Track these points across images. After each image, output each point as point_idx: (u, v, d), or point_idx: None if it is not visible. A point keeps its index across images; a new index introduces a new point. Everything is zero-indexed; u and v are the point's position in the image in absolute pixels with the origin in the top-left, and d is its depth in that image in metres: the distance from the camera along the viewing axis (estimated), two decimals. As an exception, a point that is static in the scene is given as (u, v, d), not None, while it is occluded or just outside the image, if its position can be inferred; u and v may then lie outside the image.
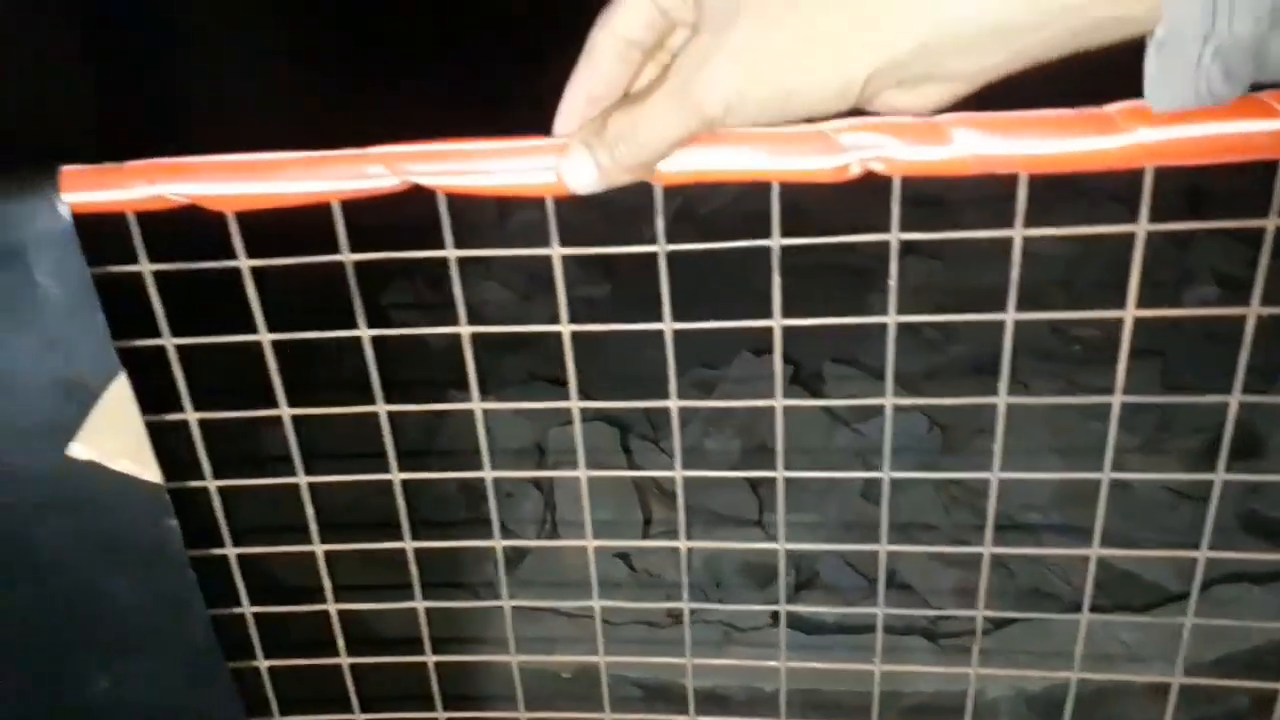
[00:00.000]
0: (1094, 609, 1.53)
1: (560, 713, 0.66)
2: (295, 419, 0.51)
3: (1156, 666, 1.36)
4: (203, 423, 0.52)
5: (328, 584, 0.55)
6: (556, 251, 0.47)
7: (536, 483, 1.82)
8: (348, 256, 0.47)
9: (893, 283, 0.44)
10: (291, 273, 0.50)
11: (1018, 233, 0.43)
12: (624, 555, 1.73)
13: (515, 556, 1.72)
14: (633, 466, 1.84)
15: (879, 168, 0.40)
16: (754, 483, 1.80)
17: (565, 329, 0.50)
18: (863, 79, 0.37)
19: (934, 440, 1.81)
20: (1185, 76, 0.34)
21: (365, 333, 0.49)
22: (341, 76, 2.45)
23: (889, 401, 0.52)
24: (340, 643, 0.56)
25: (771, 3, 0.36)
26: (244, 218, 0.47)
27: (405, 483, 0.56)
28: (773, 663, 0.63)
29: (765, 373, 1.98)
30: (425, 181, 0.43)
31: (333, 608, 0.55)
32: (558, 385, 2.05)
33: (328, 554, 0.55)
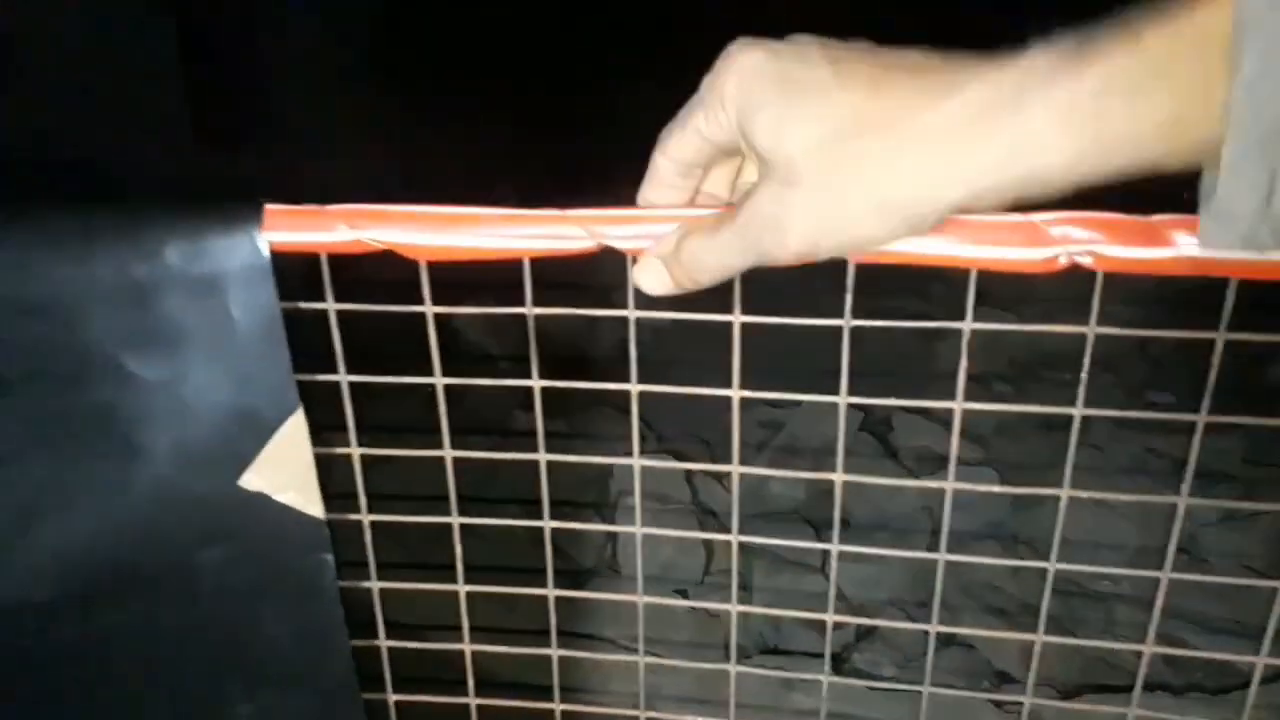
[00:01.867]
0: (1164, 689, 1.49)
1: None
2: (454, 461, 0.52)
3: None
4: (362, 457, 0.52)
5: (466, 623, 0.55)
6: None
7: (598, 511, 1.82)
8: (530, 310, 0.47)
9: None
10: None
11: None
12: (683, 590, 1.72)
13: (581, 582, 1.72)
14: (695, 501, 1.83)
15: (1087, 261, 0.40)
16: (817, 527, 1.78)
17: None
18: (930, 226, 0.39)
19: (1003, 502, 1.79)
20: (1237, 237, 0.35)
21: (537, 384, 0.49)
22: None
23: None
24: (470, 684, 0.56)
25: (833, 177, 0.38)
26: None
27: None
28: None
29: (832, 413, 1.96)
30: (617, 245, 0.44)
31: (468, 648, 0.56)
32: (621, 411, 2.05)
33: (464, 595, 0.56)
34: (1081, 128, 0.34)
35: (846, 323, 0.48)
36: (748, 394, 0.51)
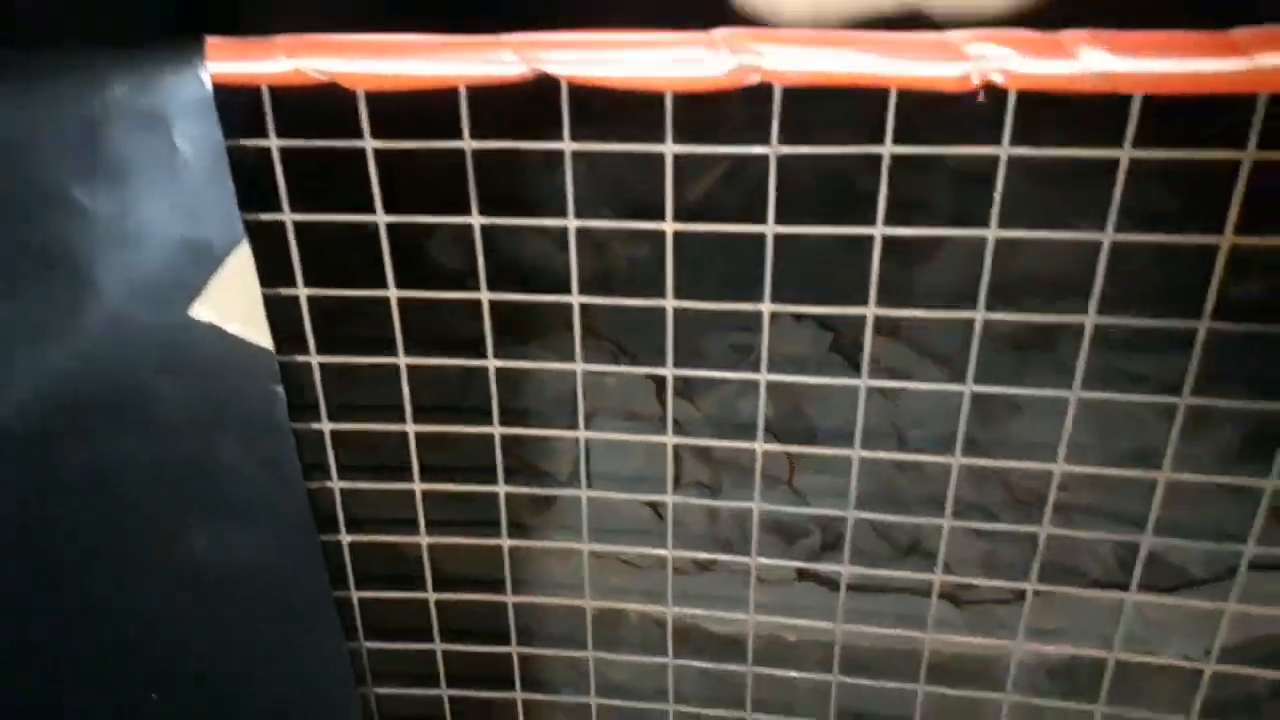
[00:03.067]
0: (1121, 588, 1.54)
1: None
2: (400, 302, 0.53)
3: (1175, 646, 1.37)
4: (310, 299, 0.54)
5: (416, 464, 0.57)
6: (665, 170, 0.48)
7: (571, 425, 1.84)
8: (469, 143, 0.49)
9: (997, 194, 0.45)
10: (397, 164, 0.51)
11: (1126, 152, 0.45)
12: (653, 503, 1.76)
13: (545, 502, 1.75)
14: (662, 419, 1.86)
15: (999, 79, 0.42)
16: (785, 441, 1.82)
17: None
18: None
19: (973, 416, 1.82)
20: None
21: (476, 220, 0.51)
22: None
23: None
24: (421, 524, 0.59)
25: None
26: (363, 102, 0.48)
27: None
28: (828, 623, 0.65)
29: (803, 336, 1.99)
30: (554, 70, 0.45)
31: (418, 487, 0.58)
32: (592, 335, 2.07)
33: (417, 436, 0.58)
34: None
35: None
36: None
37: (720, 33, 0.43)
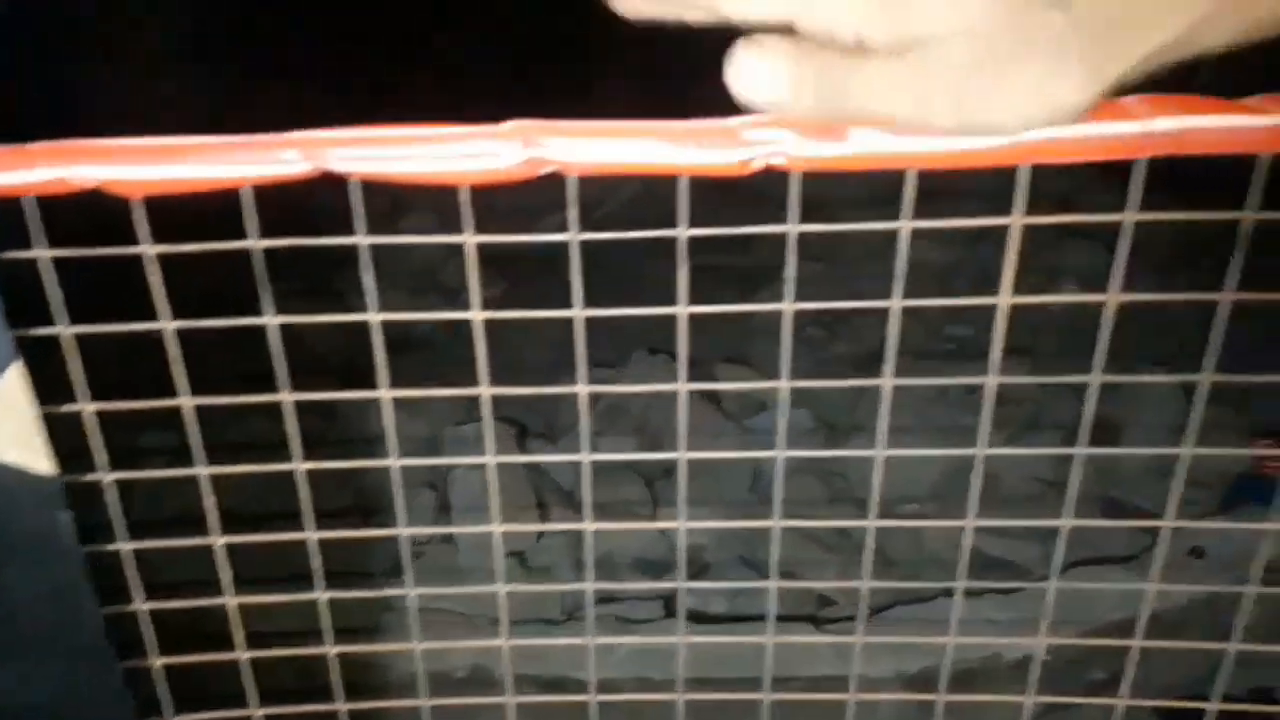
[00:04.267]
0: (966, 592, 1.61)
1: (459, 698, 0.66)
2: (201, 410, 0.50)
3: (1023, 645, 1.45)
4: (100, 414, 0.50)
5: (226, 578, 0.54)
6: (470, 239, 0.48)
7: (430, 483, 1.80)
8: (256, 243, 0.47)
9: (790, 273, 0.47)
10: (187, 264, 0.49)
11: (905, 223, 0.47)
12: (519, 553, 1.74)
13: (412, 556, 1.71)
14: (530, 465, 1.84)
15: (780, 162, 0.43)
16: (647, 479, 1.83)
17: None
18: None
19: (818, 437, 1.88)
20: None
21: (272, 320, 0.49)
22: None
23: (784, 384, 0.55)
24: (239, 637, 0.56)
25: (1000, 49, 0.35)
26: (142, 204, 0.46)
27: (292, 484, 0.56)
28: (671, 638, 0.65)
29: (660, 371, 2.01)
30: (341, 168, 0.44)
31: (231, 601, 0.55)
32: (448, 384, 2.03)
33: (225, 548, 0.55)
34: None
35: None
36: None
37: (509, 126, 0.43)
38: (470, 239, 0.47)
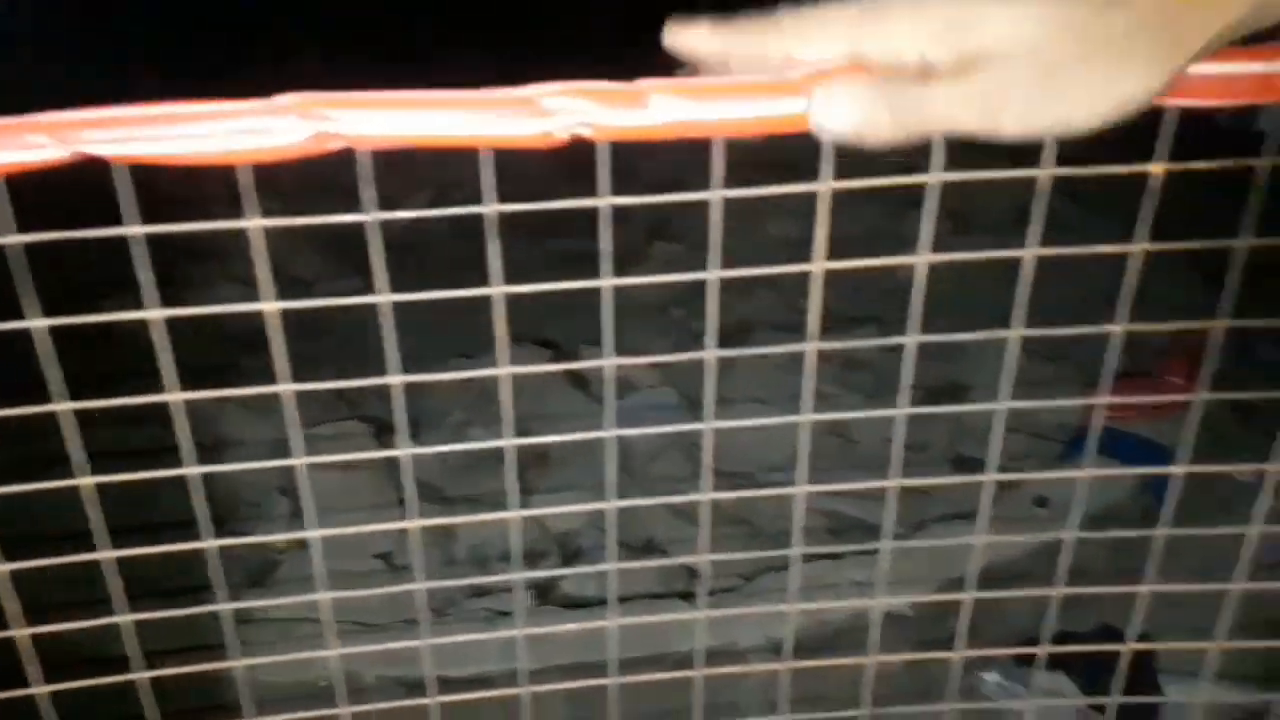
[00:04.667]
0: (827, 556, 1.65)
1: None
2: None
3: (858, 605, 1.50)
4: None
5: (15, 608, 0.49)
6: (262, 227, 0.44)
7: (282, 489, 1.73)
8: (16, 239, 0.42)
9: (605, 247, 0.45)
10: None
11: (712, 193, 0.46)
12: (384, 554, 1.68)
13: (269, 566, 1.63)
14: (387, 461, 1.78)
15: (586, 132, 0.41)
16: (519, 467, 1.80)
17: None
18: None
19: (684, 415, 1.90)
20: None
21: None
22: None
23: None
24: (36, 670, 0.51)
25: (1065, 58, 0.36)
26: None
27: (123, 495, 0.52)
28: (529, 629, 0.64)
29: (523, 358, 1.98)
30: (96, 150, 0.39)
31: (21, 633, 0.50)
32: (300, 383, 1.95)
33: (18, 573, 0.49)
34: None
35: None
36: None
37: (287, 99, 0.40)
38: (256, 223, 0.43)
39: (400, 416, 0.53)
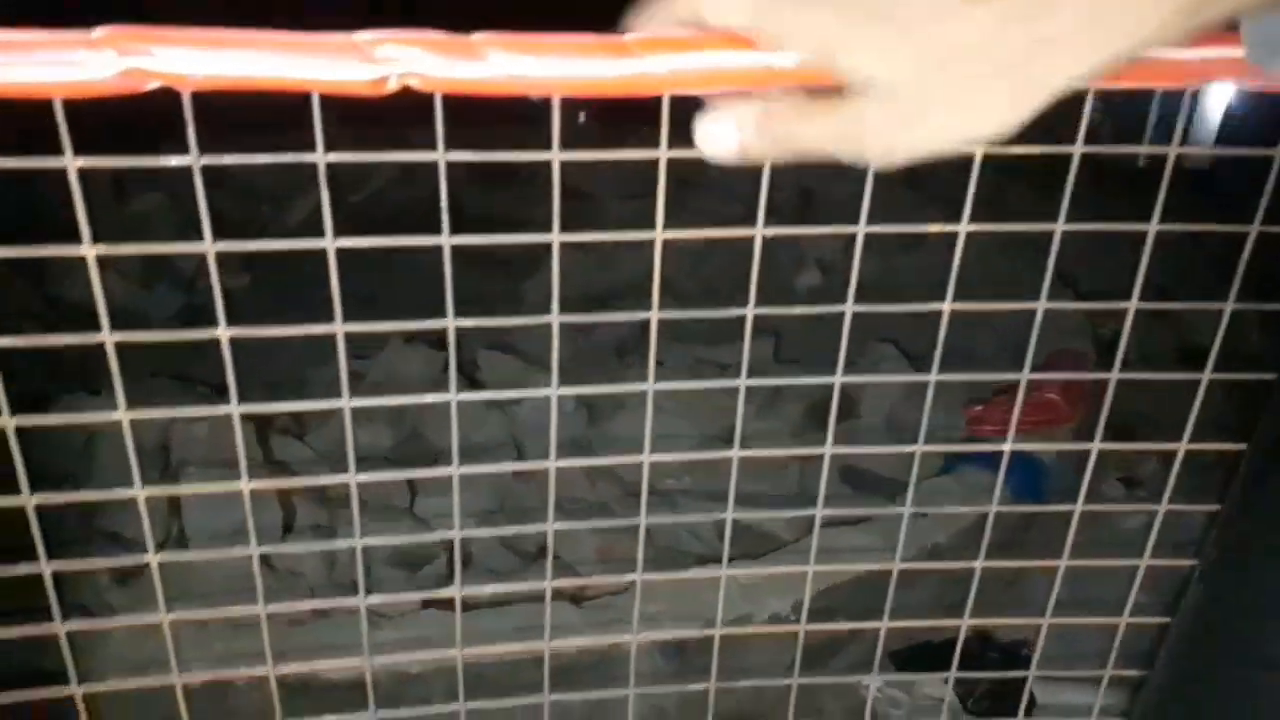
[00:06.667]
0: (718, 561, 1.65)
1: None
2: None
3: (772, 605, 1.51)
4: None
5: None
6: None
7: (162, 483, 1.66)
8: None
9: (442, 203, 0.45)
10: None
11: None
12: (264, 557, 1.63)
13: (134, 571, 1.56)
14: (271, 462, 1.73)
15: (415, 84, 0.41)
16: (406, 465, 1.77)
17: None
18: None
19: (580, 418, 1.89)
20: None
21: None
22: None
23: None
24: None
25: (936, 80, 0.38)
26: None
27: None
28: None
29: (415, 360, 1.95)
30: None
31: None
32: (181, 381, 1.88)
33: None
34: None
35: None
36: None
37: (100, 32, 0.38)
38: (71, 163, 0.42)
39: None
